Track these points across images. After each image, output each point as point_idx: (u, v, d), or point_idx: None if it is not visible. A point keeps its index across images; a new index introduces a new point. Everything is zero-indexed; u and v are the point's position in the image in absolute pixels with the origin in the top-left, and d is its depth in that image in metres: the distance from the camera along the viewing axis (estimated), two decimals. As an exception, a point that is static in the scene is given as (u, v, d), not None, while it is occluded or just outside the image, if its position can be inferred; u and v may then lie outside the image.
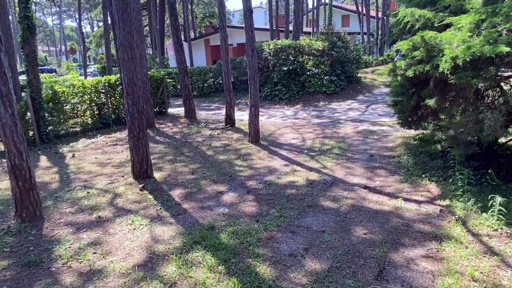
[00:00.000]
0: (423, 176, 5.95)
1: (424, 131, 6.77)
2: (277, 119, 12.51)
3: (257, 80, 8.36)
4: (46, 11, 71.38)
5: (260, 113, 13.97)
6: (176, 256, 3.84)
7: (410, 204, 5.03)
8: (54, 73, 30.53)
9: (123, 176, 6.59)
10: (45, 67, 37.99)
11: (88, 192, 5.83)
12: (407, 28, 5.90)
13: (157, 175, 6.65)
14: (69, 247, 4.16)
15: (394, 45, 32.17)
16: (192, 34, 38.53)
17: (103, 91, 11.26)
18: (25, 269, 3.71)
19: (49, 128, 10.00)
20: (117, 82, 11.69)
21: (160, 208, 5.20)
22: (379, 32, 32.62)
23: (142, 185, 5.96)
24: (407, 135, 8.63)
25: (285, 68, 15.34)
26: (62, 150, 8.95)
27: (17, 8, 9.10)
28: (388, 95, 14.91)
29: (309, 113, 13.51)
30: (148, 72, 12.75)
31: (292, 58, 15.51)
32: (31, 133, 9.68)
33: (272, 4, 22.91)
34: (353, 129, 10.13)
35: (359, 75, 18.00)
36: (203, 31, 39.01)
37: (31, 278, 3.55)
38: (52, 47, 77.41)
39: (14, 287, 3.42)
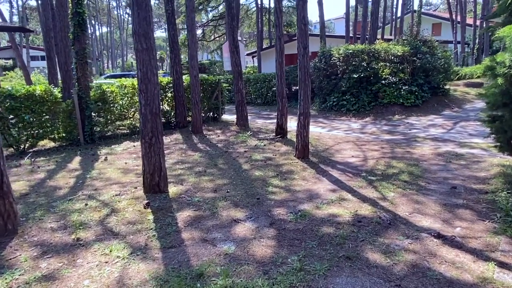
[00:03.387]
0: (534, 228, 3.98)
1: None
2: (339, 132, 10.84)
3: (309, 84, 6.95)
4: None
5: (321, 124, 12.45)
6: (124, 320, 2.65)
7: (509, 275, 3.20)
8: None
9: (136, 188, 5.67)
10: (131, 72, 40.80)
11: (86, 204, 4.99)
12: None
13: (173, 189, 5.61)
14: (16, 279, 3.22)
15: (495, 56, 27.78)
16: (268, 43, 38.06)
17: (154, 93, 10.76)
18: None
19: (95, 128, 9.72)
20: (169, 85, 11.16)
21: (154, 236, 4.09)
22: (476, 41, 28.49)
23: (147, 201, 4.94)
24: (508, 163, 6.45)
25: (355, 76, 13.54)
26: (100, 152, 8.49)
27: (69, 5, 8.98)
28: (484, 111, 12.24)
29: (379, 127, 11.56)
30: (203, 75, 12.10)
31: (364, 65, 13.66)
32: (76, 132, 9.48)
33: (349, 8, 21.12)
34: (432, 150, 8.09)
35: (447, 86, 15.32)
36: (279, 40, 38.27)
37: None
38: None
39: None
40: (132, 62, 56.54)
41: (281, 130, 9.40)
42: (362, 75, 13.56)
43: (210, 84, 12.02)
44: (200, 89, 11.52)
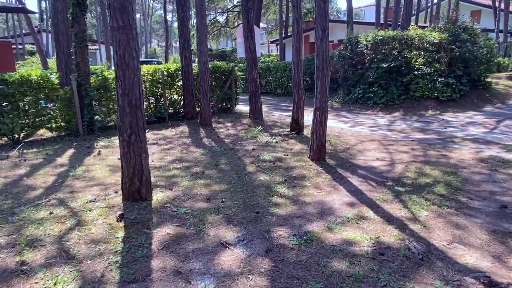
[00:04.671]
0: None
1: None
2: (363, 129, 9.69)
3: (328, 74, 5.89)
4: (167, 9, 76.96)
5: (344, 119, 11.30)
6: None
7: None
8: (159, 65, 32.03)
9: (116, 192, 4.86)
10: (153, 59, 40.55)
11: (51, 213, 4.21)
12: None
13: (158, 195, 4.76)
14: None
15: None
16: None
17: (161, 81, 9.96)
18: None
19: (96, 118, 9.04)
20: (177, 72, 10.32)
21: (116, 262, 3.25)
22: (521, 30, 26.00)
23: (121, 213, 4.10)
24: None
25: (384, 65, 12.22)
26: (96, 145, 7.79)
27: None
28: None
29: (410, 124, 10.30)
30: (216, 62, 11.19)
31: (395, 53, 12.31)
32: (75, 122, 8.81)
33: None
34: (473, 154, 6.87)
35: (488, 79, 13.71)
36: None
37: None
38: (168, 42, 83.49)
39: None
40: (155, 49, 56.37)
41: (296, 126, 8.38)
42: (392, 65, 12.23)
43: (222, 72, 11.07)
44: (212, 77, 10.66)
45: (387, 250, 3.45)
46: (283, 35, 25.44)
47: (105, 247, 3.49)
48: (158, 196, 4.72)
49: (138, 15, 74.40)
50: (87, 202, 4.52)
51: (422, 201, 4.66)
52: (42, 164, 6.41)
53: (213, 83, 10.87)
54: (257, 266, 3.20)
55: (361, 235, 3.76)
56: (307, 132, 8.52)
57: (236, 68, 11.69)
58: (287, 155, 6.76)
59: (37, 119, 8.36)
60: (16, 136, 8.21)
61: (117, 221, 3.98)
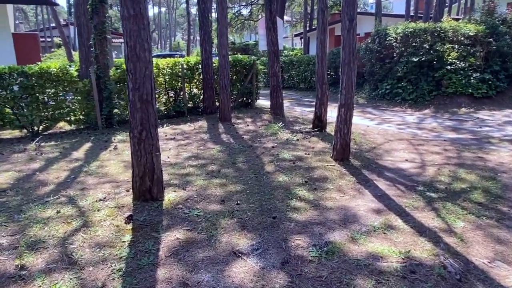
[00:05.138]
0: None
1: None
2: (390, 127, 9.16)
3: (354, 68, 5.45)
4: (191, 3, 77.26)
5: (369, 115, 10.78)
6: None
7: None
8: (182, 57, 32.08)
9: (128, 191, 4.65)
10: (177, 52, 40.79)
11: (59, 212, 4.03)
12: None
13: (170, 195, 4.51)
14: None
15: None
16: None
17: (180, 74, 9.74)
18: None
19: (114, 111, 8.92)
20: (197, 66, 10.07)
21: (119, 270, 3.01)
22: None
23: (130, 214, 3.87)
24: None
25: (415, 59, 11.55)
26: (114, 139, 7.66)
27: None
28: None
29: (441, 122, 9.68)
30: (238, 55, 10.88)
31: (427, 46, 11.61)
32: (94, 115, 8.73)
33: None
34: (513, 157, 6.28)
35: (528, 75, 12.77)
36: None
37: None
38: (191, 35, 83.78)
39: None
40: (178, 42, 56.67)
41: (319, 123, 7.97)
42: (423, 59, 11.55)
43: (243, 65, 10.74)
44: (233, 71, 10.37)
45: (419, 268, 3.06)
46: (308, 28, 24.79)
47: (109, 252, 3.26)
48: (170, 196, 4.48)
49: (163, 9, 75.18)
50: (96, 201, 4.33)
51: (458, 210, 4.21)
52: (58, 158, 6.31)
53: (234, 77, 10.59)
54: (272, 281, 2.89)
55: (389, 248, 3.37)
56: (330, 129, 8.10)
57: (257, 61, 11.32)
58: (308, 154, 6.39)
59: (56, 112, 8.33)
60: (35, 128, 8.21)
61: (125, 223, 3.76)
